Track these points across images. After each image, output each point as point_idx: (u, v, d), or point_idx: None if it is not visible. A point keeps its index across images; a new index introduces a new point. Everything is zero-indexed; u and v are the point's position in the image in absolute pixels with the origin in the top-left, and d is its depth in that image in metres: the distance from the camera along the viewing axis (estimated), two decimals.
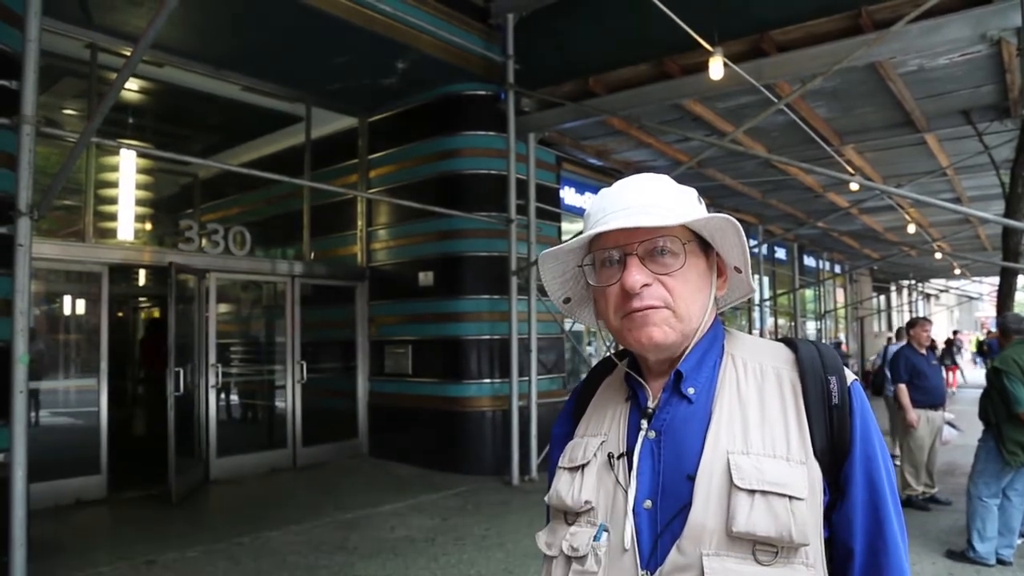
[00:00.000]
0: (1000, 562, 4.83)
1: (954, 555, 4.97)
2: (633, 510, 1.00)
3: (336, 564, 4.88)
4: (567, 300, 1.20)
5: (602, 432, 1.12)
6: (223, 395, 8.22)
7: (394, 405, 8.58)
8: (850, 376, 1.04)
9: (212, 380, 7.48)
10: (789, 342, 1.11)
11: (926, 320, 6.76)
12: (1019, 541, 4.98)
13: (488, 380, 7.90)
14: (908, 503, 6.10)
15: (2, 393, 4.17)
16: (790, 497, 0.93)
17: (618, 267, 1.04)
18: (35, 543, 4.61)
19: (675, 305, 1.03)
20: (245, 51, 7.23)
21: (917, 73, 6.54)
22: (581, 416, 1.19)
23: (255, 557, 5.02)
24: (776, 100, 6.17)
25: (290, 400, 8.31)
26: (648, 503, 1.00)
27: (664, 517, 0.99)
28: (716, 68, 5.60)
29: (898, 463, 6.29)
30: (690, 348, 1.07)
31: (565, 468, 1.12)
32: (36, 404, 6.72)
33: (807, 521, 0.93)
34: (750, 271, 1.10)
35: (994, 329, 6.96)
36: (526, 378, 7.68)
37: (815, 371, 1.03)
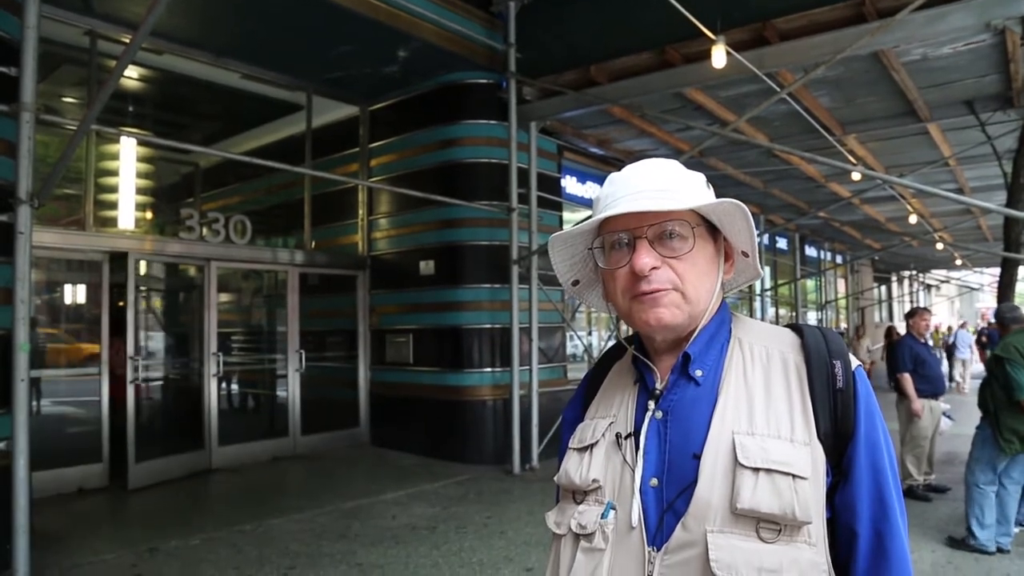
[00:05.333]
0: (999, 550, 4.85)
1: (955, 542, 4.99)
2: (640, 488, 1.02)
3: (338, 552, 4.91)
4: (576, 283, 1.21)
5: (611, 414, 1.14)
6: (224, 384, 8.24)
7: (395, 394, 8.59)
8: (855, 361, 1.05)
9: (213, 369, 7.49)
10: (795, 327, 1.12)
11: (925, 310, 6.76)
12: (1016, 530, 5.00)
13: (489, 369, 7.91)
14: (909, 493, 6.10)
15: (3, 381, 4.18)
16: (794, 476, 0.95)
17: (627, 250, 1.05)
18: (38, 531, 4.64)
19: (683, 288, 1.04)
20: (246, 39, 7.19)
21: (920, 62, 6.51)
22: (592, 399, 1.21)
23: (257, 545, 5.05)
24: (778, 89, 6.15)
25: (291, 389, 8.33)
26: (654, 481, 1.02)
27: (670, 495, 1.00)
28: (718, 57, 5.57)
29: None
30: (698, 331, 1.08)
31: (574, 449, 1.14)
32: (38, 393, 6.74)
33: (810, 500, 0.94)
34: (757, 255, 1.10)
35: (993, 320, 6.98)
36: (527, 367, 7.69)
37: (820, 355, 1.05)
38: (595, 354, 9.25)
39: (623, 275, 1.06)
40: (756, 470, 0.95)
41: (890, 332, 14.05)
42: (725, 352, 1.09)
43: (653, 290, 1.03)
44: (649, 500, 1.01)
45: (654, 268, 1.03)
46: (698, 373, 1.07)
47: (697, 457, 0.99)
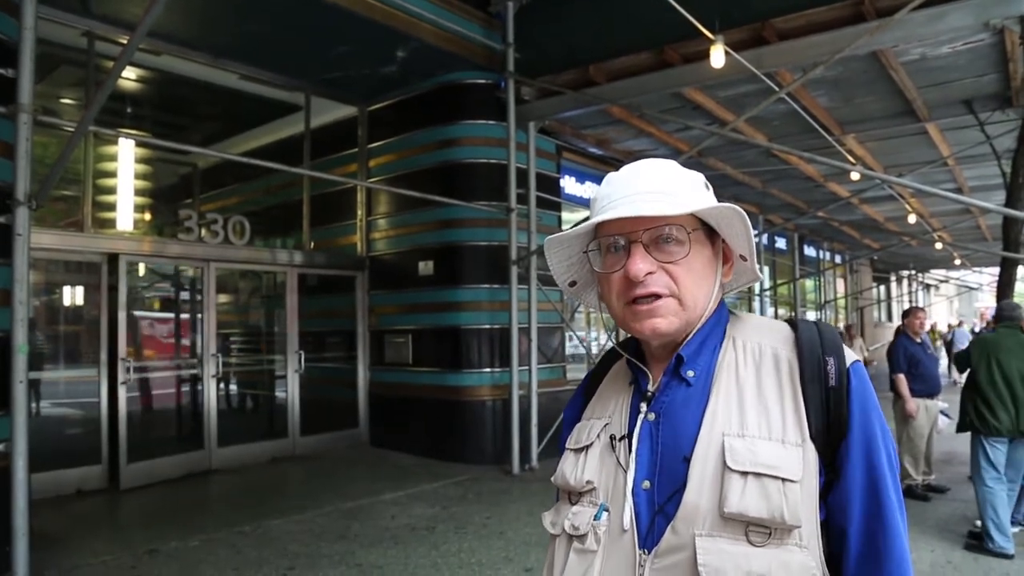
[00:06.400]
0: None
1: (972, 545, 4.92)
2: (632, 491, 1.02)
3: (337, 552, 4.90)
4: (572, 283, 1.21)
5: (607, 415, 1.14)
6: (223, 384, 8.23)
7: (394, 395, 8.59)
8: (851, 357, 1.03)
9: (212, 370, 7.49)
10: (791, 322, 1.11)
11: (920, 309, 6.79)
12: (1015, 530, 4.99)
13: (488, 369, 7.90)
14: (908, 493, 6.11)
15: (2, 383, 4.17)
16: (783, 479, 0.93)
17: (623, 254, 1.04)
18: (37, 533, 4.63)
19: (679, 293, 1.03)
20: (243, 39, 7.18)
21: (919, 62, 6.50)
22: (591, 399, 1.21)
23: (257, 546, 5.04)
24: (777, 89, 6.15)
25: (290, 389, 8.32)
26: (647, 484, 1.02)
27: (661, 498, 1.00)
28: (717, 56, 5.57)
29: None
30: (693, 333, 1.07)
31: (571, 449, 1.14)
32: (37, 395, 6.74)
33: (800, 503, 0.93)
34: (755, 259, 1.09)
35: (992, 317, 7.03)
36: (526, 367, 7.69)
37: (813, 352, 1.03)
38: (594, 354, 9.24)
39: (618, 279, 1.05)
40: (744, 474, 0.94)
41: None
42: (718, 352, 1.08)
43: (648, 294, 1.02)
44: (641, 502, 1.01)
45: (649, 273, 1.02)
46: (690, 374, 1.06)
47: (687, 460, 0.99)
